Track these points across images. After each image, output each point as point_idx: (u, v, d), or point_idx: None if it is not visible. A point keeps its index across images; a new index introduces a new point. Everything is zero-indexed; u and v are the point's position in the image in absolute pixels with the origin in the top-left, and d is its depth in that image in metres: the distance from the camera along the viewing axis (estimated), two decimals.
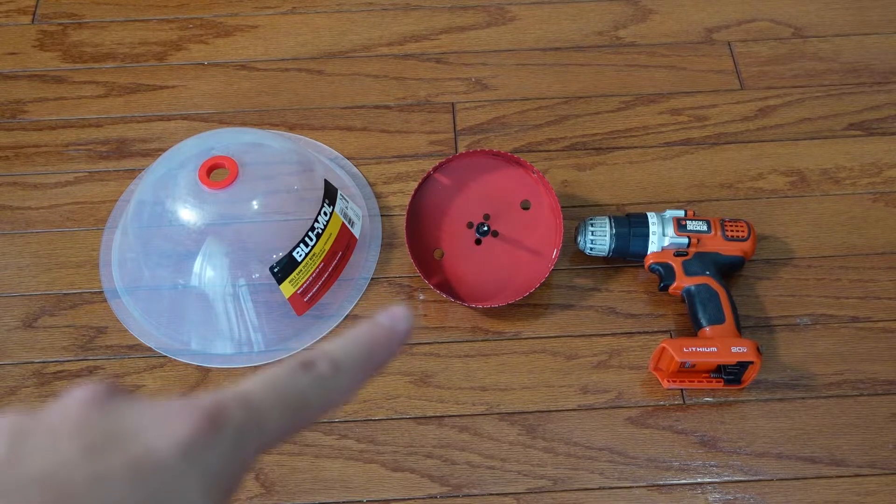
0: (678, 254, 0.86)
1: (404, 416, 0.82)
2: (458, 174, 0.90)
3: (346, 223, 0.89)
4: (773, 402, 0.82)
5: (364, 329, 0.26)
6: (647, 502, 0.78)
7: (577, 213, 0.93)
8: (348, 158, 0.99)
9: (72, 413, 0.22)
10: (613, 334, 0.87)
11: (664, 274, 0.86)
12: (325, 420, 0.82)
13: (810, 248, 0.91)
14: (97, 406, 0.22)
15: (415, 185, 0.89)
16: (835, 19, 1.09)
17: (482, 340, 0.87)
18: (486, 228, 0.89)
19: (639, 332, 0.87)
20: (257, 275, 0.83)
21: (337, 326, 0.87)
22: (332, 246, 0.87)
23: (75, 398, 0.22)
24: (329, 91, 1.04)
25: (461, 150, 0.99)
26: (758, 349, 0.79)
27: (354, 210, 0.91)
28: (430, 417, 0.82)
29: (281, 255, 0.83)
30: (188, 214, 0.82)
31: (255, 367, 0.85)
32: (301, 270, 0.84)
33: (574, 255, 0.91)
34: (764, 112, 1.01)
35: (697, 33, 1.08)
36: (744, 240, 0.86)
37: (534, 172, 0.88)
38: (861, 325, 0.87)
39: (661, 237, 0.86)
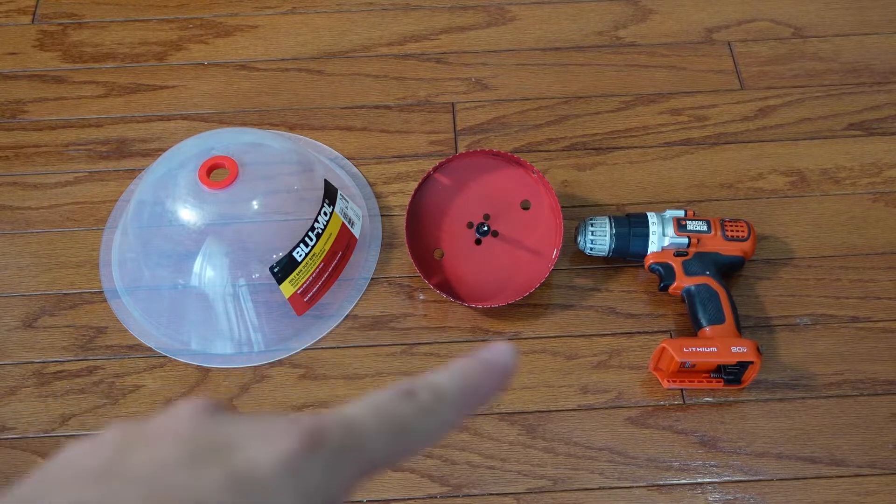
0: (678, 254, 0.86)
1: None
2: (458, 174, 0.90)
3: (346, 223, 0.89)
4: (773, 402, 0.82)
5: (466, 363, 0.26)
6: (647, 502, 0.78)
7: (577, 213, 0.93)
8: (348, 158, 0.99)
9: (177, 423, 0.23)
10: (613, 334, 0.87)
11: (664, 274, 0.86)
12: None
13: (810, 248, 0.91)
14: (201, 418, 0.23)
15: (415, 185, 0.89)
16: (835, 19, 1.09)
17: (482, 340, 0.87)
18: (486, 228, 0.89)
19: (639, 332, 0.87)
20: (257, 275, 0.83)
21: (337, 326, 0.87)
22: (332, 246, 0.87)
23: (181, 410, 0.23)
24: (329, 91, 1.04)
25: (461, 150, 0.99)
26: (758, 349, 0.79)
27: (354, 210, 0.91)
28: None
29: (281, 255, 0.83)
30: (188, 214, 0.82)
31: (255, 367, 0.85)
32: (301, 270, 0.84)
33: (574, 255, 0.91)
34: (764, 112, 1.01)
35: (697, 33, 1.08)
36: (744, 240, 0.86)
37: (534, 172, 0.88)
38: (861, 325, 0.87)
39: (661, 237, 0.86)
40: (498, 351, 0.27)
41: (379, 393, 0.24)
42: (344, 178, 0.95)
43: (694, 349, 0.79)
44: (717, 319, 0.82)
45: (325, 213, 0.86)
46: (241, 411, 0.24)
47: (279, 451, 0.21)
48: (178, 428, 0.22)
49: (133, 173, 0.98)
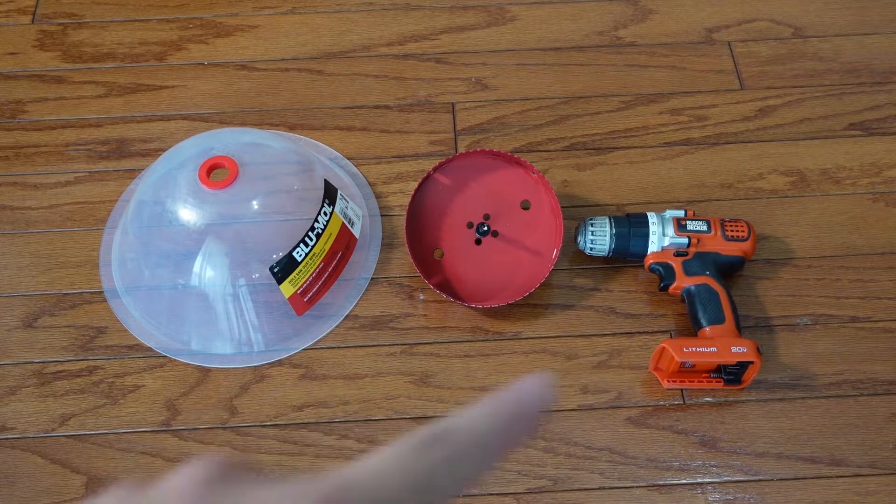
0: (678, 254, 0.86)
1: (404, 416, 0.82)
2: (458, 174, 0.90)
3: (346, 223, 0.89)
4: (773, 402, 0.82)
5: (494, 401, 0.24)
6: (646, 502, 0.78)
7: (577, 213, 0.93)
8: (348, 158, 0.99)
9: (182, 495, 0.21)
10: (613, 334, 0.87)
11: (664, 274, 0.86)
12: (325, 420, 0.82)
13: (810, 248, 0.92)
14: (209, 488, 0.21)
15: (415, 185, 0.89)
16: (835, 19, 1.09)
17: (482, 340, 0.87)
18: (486, 228, 0.89)
19: (639, 332, 0.87)
20: (257, 275, 0.83)
21: (337, 326, 0.87)
22: (332, 246, 0.87)
23: (188, 477, 0.21)
24: (329, 91, 1.04)
25: (461, 150, 0.99)
26: (758, 349, 0.79)
27: (354, 210, 0.91)
28: (430, 417, 0.82)
29: (281, 255, 0.83)
30: (188, 214, 0.82)
31: (254, 367, 0.85)
32: (301, 270, 0.84)
33: (574, 255, 0.91)
34: (764, 112, 1.01)
35: (697, 33, 1.08)
36: (744, 240, 0.86)
37: (534, 172, 0.88)
38: (861, 325, 0.87)
39: (661, 237, 0.86)
40: (528, 386, 0.24)
41: (399, 445, 0.22)
42: (344, 178, 0.95)
43: (694, 349, 0.79)
44: (717, 319, 0.82)
45: (325, 213, 0.86)
46: (252, 474, 0.21)
47: None
48: (184, 501, 0.21)
49: (133, 173, 0.98)
